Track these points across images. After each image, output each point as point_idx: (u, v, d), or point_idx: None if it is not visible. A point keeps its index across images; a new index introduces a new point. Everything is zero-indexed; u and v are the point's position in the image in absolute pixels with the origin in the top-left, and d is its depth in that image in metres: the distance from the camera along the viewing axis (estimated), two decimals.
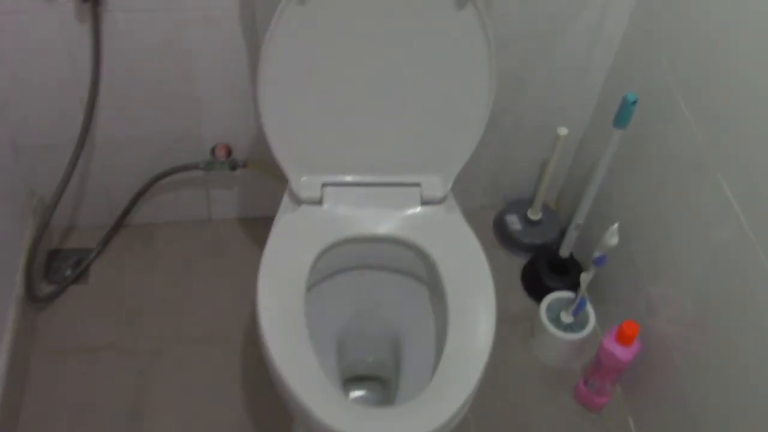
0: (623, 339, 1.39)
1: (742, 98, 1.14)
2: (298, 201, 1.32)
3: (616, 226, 1.33)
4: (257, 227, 1.80)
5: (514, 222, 1.82)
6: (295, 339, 1.14)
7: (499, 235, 1.84)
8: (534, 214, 1.80)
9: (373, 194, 1.33)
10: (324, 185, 1.32)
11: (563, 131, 1.56)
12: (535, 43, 1.50)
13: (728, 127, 1.18)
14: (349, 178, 1.33)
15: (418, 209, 1.32)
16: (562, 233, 1.82)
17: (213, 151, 1.60)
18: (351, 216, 1.30)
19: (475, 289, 1.23)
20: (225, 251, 1.77)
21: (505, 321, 1.64)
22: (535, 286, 1.73)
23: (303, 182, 1.32)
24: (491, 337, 1.15)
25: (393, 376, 1.39)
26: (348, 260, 1.34)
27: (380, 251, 1.33)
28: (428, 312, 1.34)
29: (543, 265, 1.73)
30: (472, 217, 1.88)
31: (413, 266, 1.33)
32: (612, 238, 1.34)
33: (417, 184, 1.33)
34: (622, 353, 1.40)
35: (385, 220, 1.31)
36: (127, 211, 1.71)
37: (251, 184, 1.72)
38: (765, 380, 1.10)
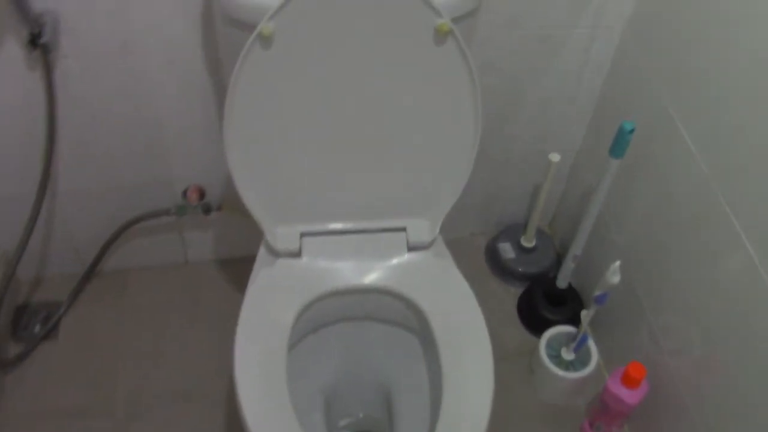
0: (630, 382, 1.30)
1: (745, 121, 1.06)
2: (275, 253, 1.22)
3: (617, 264, 1.24)
4: (236, 269, 1.71)
5: (507, 250, 1.73)
6: (276, 408, 1.05)
7: (492, 264, 1.75)
8: (528, 242, 1.71)
9: (355, 242, 1.23)
10: (302, 235, 1.22)
11: (555, 158, 1.47)
12: (523, 67, 1.41)
13: (733, 153, 1.10)
14: (329, 227, 1.23)
15: (405, 256, 1.23)
16: (558, 259, 1.74)
17: (185, 194, 1.50)
18: (333, 267, 1.21)
19: (469, 345, 1.14)
20: (203, 296, 1.67)
21: (502, 357, 1.56)
22: (533, 319, 1.64)
23: (279, 233, 1.22)
24: (489, 401, 1.06)
25: None
26: (332, 313, 1.25)
27: (366, 303, 1.24)
28: (420, 362, 1.25)
29: (540, 297, 1.64)
30: (462, 245, 1.81)
31: (402, 317, 1.24)
32: (614, 277, 1.25)
33: (402, 229, 1.24)
34: (629, 397, 1.31)
35: (370, 270, 1.21)
36: (97, 260, 1.61)
37: (227, 225, 1.62)
38: None
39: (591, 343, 1.49)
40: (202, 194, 1.51)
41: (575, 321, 1.61)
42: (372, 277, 1.21)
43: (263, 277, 1.20)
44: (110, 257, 1.65)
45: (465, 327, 1.16)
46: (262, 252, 1.25)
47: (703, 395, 1.24)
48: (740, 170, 1.08)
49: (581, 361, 1.50)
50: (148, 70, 1.28)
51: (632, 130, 1.22)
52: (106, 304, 1.64)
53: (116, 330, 1.60)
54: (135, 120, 1.36)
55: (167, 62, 1.27)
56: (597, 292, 1.31)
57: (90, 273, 1.64)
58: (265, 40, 1.00)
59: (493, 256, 1.75)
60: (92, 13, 1.18)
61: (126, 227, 1.53)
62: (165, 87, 1.31)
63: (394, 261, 1.22)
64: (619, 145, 1.25)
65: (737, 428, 1.14)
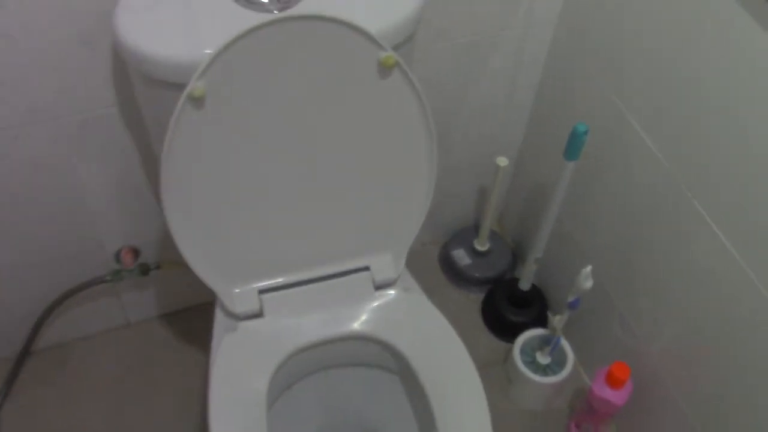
0: (614, 382, 1.27)
1: (694, 105, 1.04)
2: (234, 316, 1.13)
3: (589, 269, 1.20)
4: (184, 320, 1.60)
5: (461, 257, 1.68)
6: None
7: (449, 273, 1.70)
8: (481, 245, 1.66)
9: (319, 290, 1.15)
10: (261, 292, 1.13)
11: (503, 162, 1.42)
12: (458, 77, 1.35)
13: (686, 137, 1.08)
14: (288, 279, 1.15)
15: (373, 296, 1.16)
16: (514, 258, 1.70)
17: (118, 256, 1.38)
18: (299, 322, 1.13)
19: (456, 381, 1.08)
20: (153, 358, 1.56)
21: (477, 369, 1.51)
22: (499, 324, 1.60)
23: (236, 294, 1.13)
24: None
25: None
26: (305, 367, 1.17)
27: (340, 351, 1.16)
28: (403, 401, 1.19)
29: (503, 301, 1.60)
30: (416, 257, 1.74)
31: (379, 358, 1.17)
32: (586, 282, 1.22)
33: (366, 269, 1.17)
34: (616, 397, 1.29)
35: (339, 317, 1.14)
36: (30, 339, 1.48)
37: (168, 280, 1.51)
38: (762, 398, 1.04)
39: (564, 343, 1.46)
40: (136, 254, 1.40)
41: (542, 321, 1.58)
42: (341, 326, 1.13)
43: (227, 345, 1.10)
44: (45, 333, 1.51)
45: (448, 363, 1.11)
46: (219, 316, 1.15)
47: (687, 385, 1.22)
48: (698, 155, 1.06)
49: (557, 362, 1.47)
50: (61, 135, 1.16)
51: (586, 132, 1.18)
52: (48, 384, 1.51)
53: (63, 412, 1.47)
54: (53, 188, 1.24)
55: (82, 126, 1.15)
56: (569, 298, 1.27)
57: (24, 354, 1.50)
58: (197, 101, 0.91)
59: (448, 264, 1.70)
60: None
61: (59, 302, 1.41)
62: (82, 149, 1.19)
63: (362, 303, 1.15)
64: (573, 147, 1.21)
65: (725, 414, 1.13)
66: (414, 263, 1.57)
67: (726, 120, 0.99)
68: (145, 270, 1.39)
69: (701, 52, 1.01)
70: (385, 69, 0.96)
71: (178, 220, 1.02)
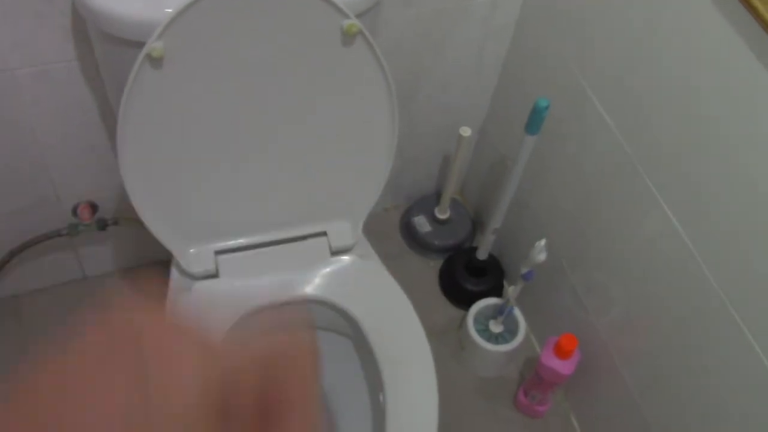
0: (562, 353, 1.31)
1: (654, 85, 1.05)
2: (189, 276, 1.13)
3: (543, 242, 1.23)
4: (141, 277, 1.59)
5: (422, 224, 1.70)
6: None
7: (409, 239, 1.72)
8: (442, 213, 1.68)
9: (275, 253, 1.16)
10: (217, 253, 1.14)
11: (466, 132, 1.43)
12: (424, 44, 1.35)
13: (644, 116, 1.10)
14: (245, 241, 1.15)
15: (329, 261, 1.17)
16: (474, 227, 1.72)
17: (75, 211, 1.37)
18: (254, 284, 1.13)
19: (406, 348, 1.10)
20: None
21: (430, 334, 1.53)
22: (456, 292, 1.63)
23: (192, 254, 1.13)
24: (436, 410, 1.04)
25: None
26: (260, 329, 1.18)
27: (294, 313, 1.17)
28: (357, 366, 1.21)
29: (461, 269, 1.62)
30: (377, 221, 1.75)
31: (333, 323, 1.19)
32: (540, 255, 1.24)
33: (323, 234, 1.17)
34: (563, 367, 1.32)
35: (294, 281, 1.15)
36: None
37: (126, 236, 1.50)
38: (698, 365, 1.08)
39: (517, 312, 1.49)
40: (94, 210, 1.38)
41: (498, 290, 1.61)
42: (297, 289, 1.14)
43: (181, 304, 1.11)
44: (0, 283, 1.50)
45: (399, 330, 1.13)
46: (174, 275, 1.15)
47: (631, 356, 1.26)
48: (652, 134, 1.08)
49: (510, 331, 1.50)
50: (17, 86, 1.13)
51: (547, 107, 1.19)
52: (1, 333, 1.50)
53: (15, 360, 1.47)
54: (9, 140, 1.21)
55: (37, 76, 1.13)
56: (523, 270, 1.30)
57: None
58: (155, 61, 0.89)
59: (408, 230, 1.71)
60: None
61: (13, 254, 1.39)
62: (38, 102, 1.17)
63: (318, 268, 1.16)
64: (534, 121, 1.21)
65: (667, 387, 1.17)
66: (375, 228, 1.58)
67: (681, 102, 1.00)
68: (102, 225, 1.38)
69: (664, 34, 1.02)
70: (348, 37, 0.95)
71: (134, 178, 1.02)
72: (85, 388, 0.30)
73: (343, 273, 1.16)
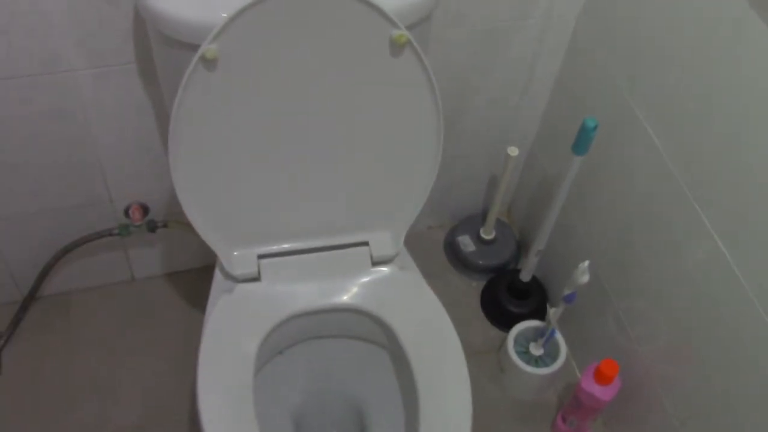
0: (603, 379, 1.28)
1: (707, 112, 1.04)
2: (232, 278, 1.15)
3: (586, 264, 1.21)
4: (187, 281, 1.63)
5: (467, 243, 1.69)
6: None
7: (452, 258, 1.71)
8: (487, 234, 1.67)
9: (317, 260, 1.17)
10: (260, 257, 1.16)
11: (514, 152, 1.43)
12: (474, 62, 1.36)
13: (696, 144, 1.08)
14: (287, 247, 1.17)
15: (369, 271, 1.18)
16: (519, 249, 1.71)
17: (127, 212, 1.41)
18: (295, 289, 1.15)
19: (443, 361, 1.10)
20: (154, 314, 1.59)
21: (470, 354, 1.52)
22: (497, 313, 1.62)
23: (236, 257, 1.15)
24: (469, 420, 1.03)
25: None
26: (297, 335, 1.19)
27: (332, 322, 1.19)
28: (391, 377, 1.21)
29: (503, 290, 1.61)
30: (420, 239, 1.76)
31: (370, 333, 1.19)
32: (583, 277, 1.22)
33: (365, 243, 1.18)
34: (603, 393, 1.30)
35: (334, 289, 1.16)
36: (36, 286, 1.51)
37: (175, 239, 1.53)
38: (741, 399, 1.05)
39: (558, 336, 1.47)
40: (145, 211, 1.42)
41: (540, 313, 1.59)
42: (336, 297, 1.15)
43: (222, 305, 1.13)
44: (51, 281, 1.54)
45: (436, 342, 1.12)
46: (218, 277, 1.18)
47: (673, 385, 1.23)
48: (703, 161, 1.06)
49: (550, 355, 1.48)
50: (79, 86, 1.18)
51: (595, 127, 1.18)
52: (51, 330, 1.54)
53: (64, 358, 1.51)
54: (68, 139, 1.26)
55: (98, 77, 1.17)
56: (566, 292, 1.28)
57: (30, 299, 1.53)
58: (209, 63, 0.92)
59: (452, 249, 1.71)
60: (9, 33, 1.07)
61: (67, 251, 1.43)
62: (97, 103, 1.22)
63: (359, 277, 1.17)
64: (581, 142, 1.21)
65: (708, 417, 1.14)
66: (419, 246, 1.58)
67: (734, 129, 0.99)
68: (152, 227, 1.41)
69: (715, 58, 1.01)
70: (396, 47, 0.97)
71: (183, 178, 1.05)
72: None
73: (382, 283, 1.17)
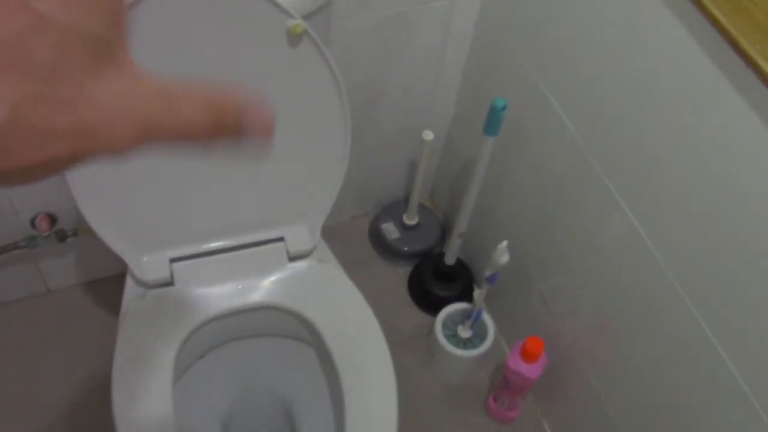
0: (529, 357, 1.29)
1: (611, 86, 1.05)
2: (143, 284, 1.12)
3: (505, 244, 1.21)
4: (106, 289, 1.58)
5: (390, 231, 1.68)
6: None
7: (378, 247, 1.70)
8: (410, 219, 1.67)
9: (232, 260, 1.14)
10: (172, 261, 1.12)
11: (429, 136, 1.42)
12: (382, 50, 1.34)
13: (601, 118, 1.09)
14: (200, 248, 1.14)
15: (287, 267, 1.15)
16: (443, 233, 1.71)
17: (33, 223, 1.35)
18: (211, 291, 1.12)
19: (366, 353, 1.09)
20: (74, 325, 1.53)
21: (400, 342, 1.53)
22: (425, 298, 1.61)
23: (145, 262, 1.11)
24: (395, 415, 1.02)
25: None
26: (217, 337, 1.17)
27: (252, 321, 1.16)
28: (318, 373, 1.20)
29: (429, 275, 1.61)
30: (344, 230, 1.75)
31: (293, 330, 1.17)
32: (502, 257, 1.23)
33: (280, 239, 1.16)
34: (530, 371, 1.31)
35: (252, 288, 1.13)
36: None
37: (87, 247, 1.48)
38: (662, 368, 1.07)
39: (486, 317, 1.48)
40: (53, 221, 1.37)
41: (468, 295, 1.60)
42: (254, 295, 1.13)
43: (134, 313, 1.09)
44: None
45: (359, 335, 1.11)
46: (129, 284, 1.14)
47: (597, 360, 1.25)
48: (611, 136, 1.07)
49: (478, 336, 1.48)
50: None
51: (504, 107, 1.18)
52: None
53: None
54: None
55: None
56: (487, 273, 1.28)
57: None
58: None
59: (377, 238, 1.70)
60: None
61: None
62: None
63: (276, 274, 1.15)
64: (492, 122, 1.21)
65: (632, 389, 1.16)
66: (344, 236, 1.57)
67: (638, 103, 1.00)
68: (61, 236, 1.36)
69: (618, 35, 1.01)
70: (293, 37, 0.94)
71: (80, 184, 1.00)
72: None
73: (300, 278, 1.15)
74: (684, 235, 0.97)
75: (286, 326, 1.16)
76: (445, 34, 1.36)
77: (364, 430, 1.01)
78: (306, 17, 0.95)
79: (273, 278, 1.14)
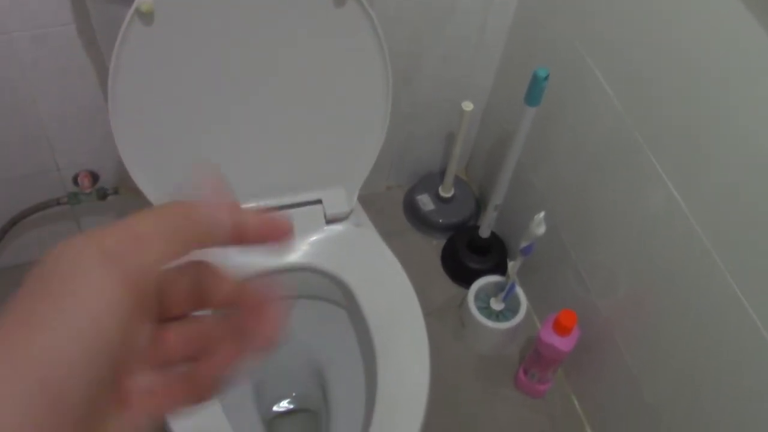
0: (561, 330, 1.29)
1: (657, 58, 1.03)
2: None
3: (542, 215, 1.21)
4: None
5: (426, 202, 1.68)
6: (207, 414, 0.98)
7: (412, 218, 1.71)
8: (446, 192, 1.66)
9: None
10: None
11: (469, 107, 1.42)
12: (425, 14, 1.33)
13: (647, 90, 1.07)
14: None
15: (324, 229, 1.16)
16: (478, 206, 1.71)
17: (75, 180, 1.38)
18: (248, 252, 1.12)
19: (399, 316, 1.09)
20: None
21: (431, 312, 1.53)
22: (458, 270, 1.61)
23: None
24: (427, 378, 1.02)
25: (322, 409, 1.26)
26: None
27: (288, 281, 1.17)
28: (350, 335, 1.20)
29: (463, 247, 1.61)
30: (380, 200, 1.75)
31: (327, 291, 1.18)
32: (539, 228, 1.22)
33: (318, 201, 1.17)
34: (562, 344, 1.30)
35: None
36: None
37: (127, 206, 1.50)
38: (699, 344, 1.06)
39: (519, 290, 1.47)
40: (95, 179, 1.39)
41: (501, 268, 1.59)
42: (291, 256, 1.14)
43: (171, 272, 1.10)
44: (2, 254, 1.51)
45: (393, 298, 1.11)
46: None
47: (632, 335, 1.24)
48: (655, 107, 1.06)
49: (511, 309, 1.48)
50: (16, 51, 1.14)
51: (546, 77, 1.17)
52: (3, 303, 1.51)
53: None
54: (8, 107, 1.22)
55: (35, 40, 1.13)
56: (523, 244, 1.28)
57: None
58: (146, 17, 0.89)
59: (412, 209, 1.70)
60: None
61: (14, 222, 1.40)
62: (37, 67, 1.17)
63: (313, 236, 1.15)
64: (534, 92, 1.20)
65: (665, 365, 1.15)
66: (378, 206, 1.57)
67: (683, 75, 0.98)
68: (102, 195, 1.38)
69: (666, 6, 1.00)
70: None
71: (126, 140, 1.02)
72: None
73: (337, 241, 1.16)
74: (728, 211, 0.95)
75: (321, 288, 1.17)
76: (487, 4, 1.35)
77: (396, 394, 1.02)
78: None
79: (309, 240, 1.15)
